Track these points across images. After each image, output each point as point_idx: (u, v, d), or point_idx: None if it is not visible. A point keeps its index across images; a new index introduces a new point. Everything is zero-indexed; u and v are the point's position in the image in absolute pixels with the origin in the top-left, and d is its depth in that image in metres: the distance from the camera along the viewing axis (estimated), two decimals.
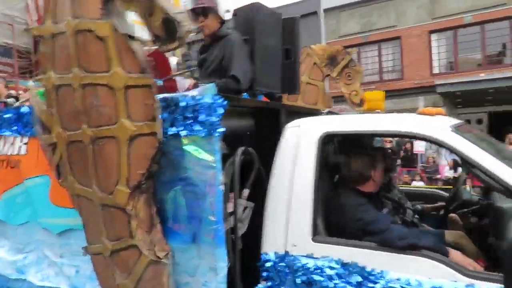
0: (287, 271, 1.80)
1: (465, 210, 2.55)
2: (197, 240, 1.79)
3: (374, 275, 1.62)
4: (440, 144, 1.74)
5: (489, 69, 12.72)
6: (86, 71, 1.73)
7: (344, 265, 1.69)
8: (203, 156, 1.73)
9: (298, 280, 1.76)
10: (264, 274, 1.86)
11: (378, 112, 3.35)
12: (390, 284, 1.58)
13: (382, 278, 1.60)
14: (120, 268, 1.77)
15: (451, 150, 1.68)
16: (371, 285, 1.62)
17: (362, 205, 1.88)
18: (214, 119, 1.70)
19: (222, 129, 1.71)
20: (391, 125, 1.80)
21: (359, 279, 1.64)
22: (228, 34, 2.47)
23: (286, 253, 1.83)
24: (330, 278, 1.70)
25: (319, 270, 1.73)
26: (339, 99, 4.89)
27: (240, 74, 2.33)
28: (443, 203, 2.87)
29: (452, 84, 12.41)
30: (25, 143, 2.40)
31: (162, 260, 1.71)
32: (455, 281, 1.51)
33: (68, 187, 1.94)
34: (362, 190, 1.98)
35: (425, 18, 13.67)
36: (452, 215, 2.68)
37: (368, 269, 1.64)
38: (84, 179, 1.86)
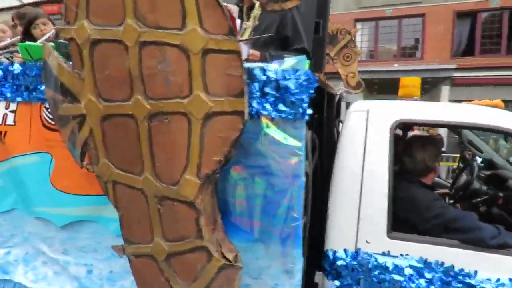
0: (361, 269, 1.65)
1: (478, 199, 2.62)
2: (266, 238, 1.55)
3: (463, 275, 1.54)
4: None
5: (403, 60, 13.77)
6: (148, 25, 1.33)
7: (427, 264, 1.59)
8: (288, 142, 1.47)
9: (374, 279, 1.62)
10: (333, 272, 1.69)
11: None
12: (482, 285, 1.52)
13: (472, 278, 1.54)
14: (182, 274, 1.45)
15: None
16: (459, 285, 1.54)
17: (438, 200, 1.79)
18: (305, 99, 1.44)
19: (310, 111, 1.46)
20: (472, 117, 1.71)
21: (447, 279, 1.55)
22: None
23: (359, 250, 1.68)
24: (411, 278, 1.59)
25: (399, 269, 1.61)
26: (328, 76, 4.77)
27: (309, 48, 2.05)
28: (446, 191, 2.95)
29: (371, 72, 13.21)
30: (12, 111, 1.88)
31: (236, 263, 1.44)
32: None
33: (99, 173, 1.53)
34: (425, 183, 1.89)
35: (353, 7, 14.26)
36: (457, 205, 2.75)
37: (456, 268, 1.56)
38: (128, 163, 1.47)
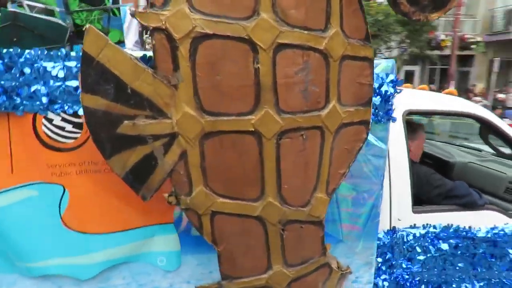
0: (399, 244, 1.89)
1: None
2: (351, 237, 1.59)
3: (468, 231, 1.99)
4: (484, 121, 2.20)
5: None
6: (290, 24, 1.08)
7: (444, 228, 1.96)
8: (376, 143, 1.50)
9: (409, 249, 1.90)
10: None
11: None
12: (479, 235, 1.99)
13: (471, 232, 1.99)
14: None
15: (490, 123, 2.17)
16: (468, 242, 1.98)
17: (434, 173, 2.15)
18: (392, 102, 1.49)
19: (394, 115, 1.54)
20: (459, 106, 2.12)
21: (457, 238, 1.97)
22: None
23: (394, 228, 1.90)
24: (433, 241, 1.95)
25: (425, 237, 1.93)
26: None
27: None
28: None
29: None
30: None
31: (347, 271, 1.43)
32: (507, 223, 2.09)
33: (193, 204, 1.19)
34: (416, 161, 2.24)
35: None
36: None
37: (462, 227, 1.98)
38: (238, 189, 1.21)
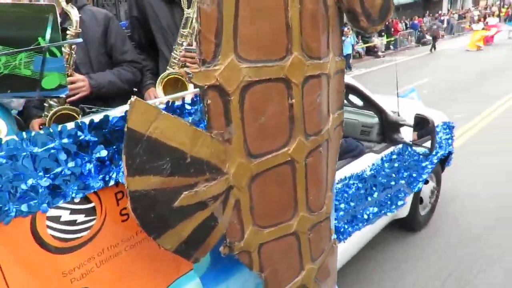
0: None
1: None
2: None
3: (361, 174, 2.56)
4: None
5: None
6: (312, 57, 1.14)
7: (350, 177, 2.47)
8: None
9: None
10: None
11: None
12: (368, 173, 2.60)
13: (365, 173, 2.58)
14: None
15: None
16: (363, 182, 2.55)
17: None
18: None
19: None
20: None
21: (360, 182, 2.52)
22: None
23: None
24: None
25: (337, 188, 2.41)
26: None
27: None
28: None
29: None
30: None
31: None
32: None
33: (246, 247, 1.19)
34: None
35: None
36: None
37: (358, 173, 2.55)
38: (278, 216, 1.26)
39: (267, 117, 1.09)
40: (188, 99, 1.10)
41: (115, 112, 1.02)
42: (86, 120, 0.93)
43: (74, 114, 1.51)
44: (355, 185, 2.49)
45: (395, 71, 4.10)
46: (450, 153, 3.74)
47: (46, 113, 1.60)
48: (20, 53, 1.10)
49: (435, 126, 2.77)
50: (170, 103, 1.01)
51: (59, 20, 1.18)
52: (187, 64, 1.67)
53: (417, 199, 3.44)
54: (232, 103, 0.99)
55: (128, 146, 0.86)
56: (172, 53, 1.76)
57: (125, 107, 0.87)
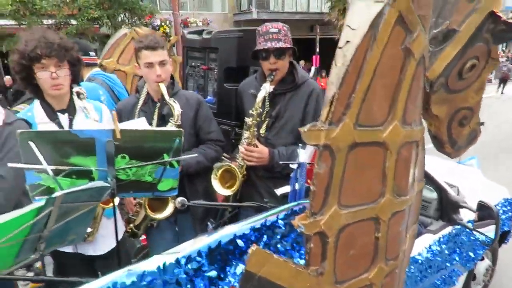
0: None
1: None
2: None
3: None
4: None
5: None
6: (399, 194, 1.25)
7: None
8: None
9: None
10: None
11: None
12: (424, 256, 2.61)
13: None
14: None
15: None
16: None
17: None
18: None
19: None
20: None
21: None
22: (307, 80, 1.96)
23: None
24: None
25: None
26: None
27: None
28: None
29: None
30: None
31: None
32: None
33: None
34: None
35: None
36: None
37: None
38: None
39: (355, 249, 1.20)
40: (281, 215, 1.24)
41: None
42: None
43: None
44: (410, 268, 2.51)
45: None
46: (509, 231, 3.63)
47: None
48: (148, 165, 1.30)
49: (499, 215, 2.73)
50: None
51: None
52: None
53: (470, 276, 3.37)
54: (329, 243, 1.11)
55: (243, 285, 1.01)
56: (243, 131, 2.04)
57: None
